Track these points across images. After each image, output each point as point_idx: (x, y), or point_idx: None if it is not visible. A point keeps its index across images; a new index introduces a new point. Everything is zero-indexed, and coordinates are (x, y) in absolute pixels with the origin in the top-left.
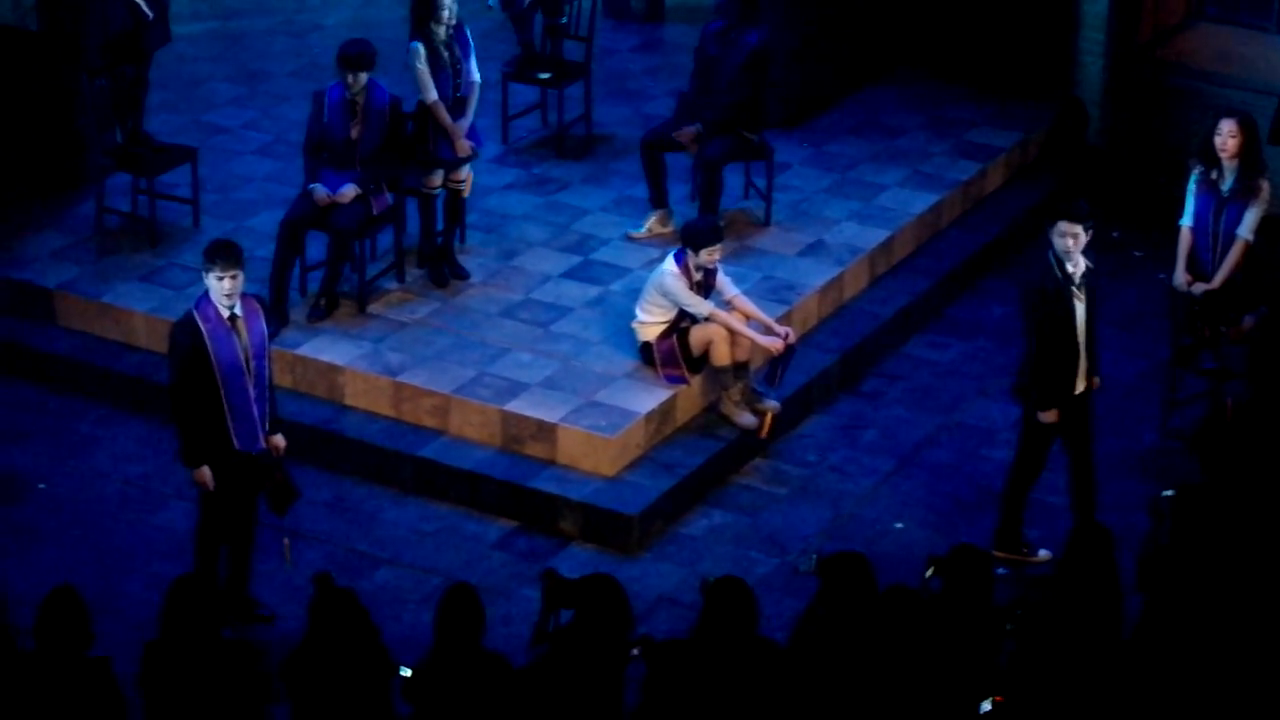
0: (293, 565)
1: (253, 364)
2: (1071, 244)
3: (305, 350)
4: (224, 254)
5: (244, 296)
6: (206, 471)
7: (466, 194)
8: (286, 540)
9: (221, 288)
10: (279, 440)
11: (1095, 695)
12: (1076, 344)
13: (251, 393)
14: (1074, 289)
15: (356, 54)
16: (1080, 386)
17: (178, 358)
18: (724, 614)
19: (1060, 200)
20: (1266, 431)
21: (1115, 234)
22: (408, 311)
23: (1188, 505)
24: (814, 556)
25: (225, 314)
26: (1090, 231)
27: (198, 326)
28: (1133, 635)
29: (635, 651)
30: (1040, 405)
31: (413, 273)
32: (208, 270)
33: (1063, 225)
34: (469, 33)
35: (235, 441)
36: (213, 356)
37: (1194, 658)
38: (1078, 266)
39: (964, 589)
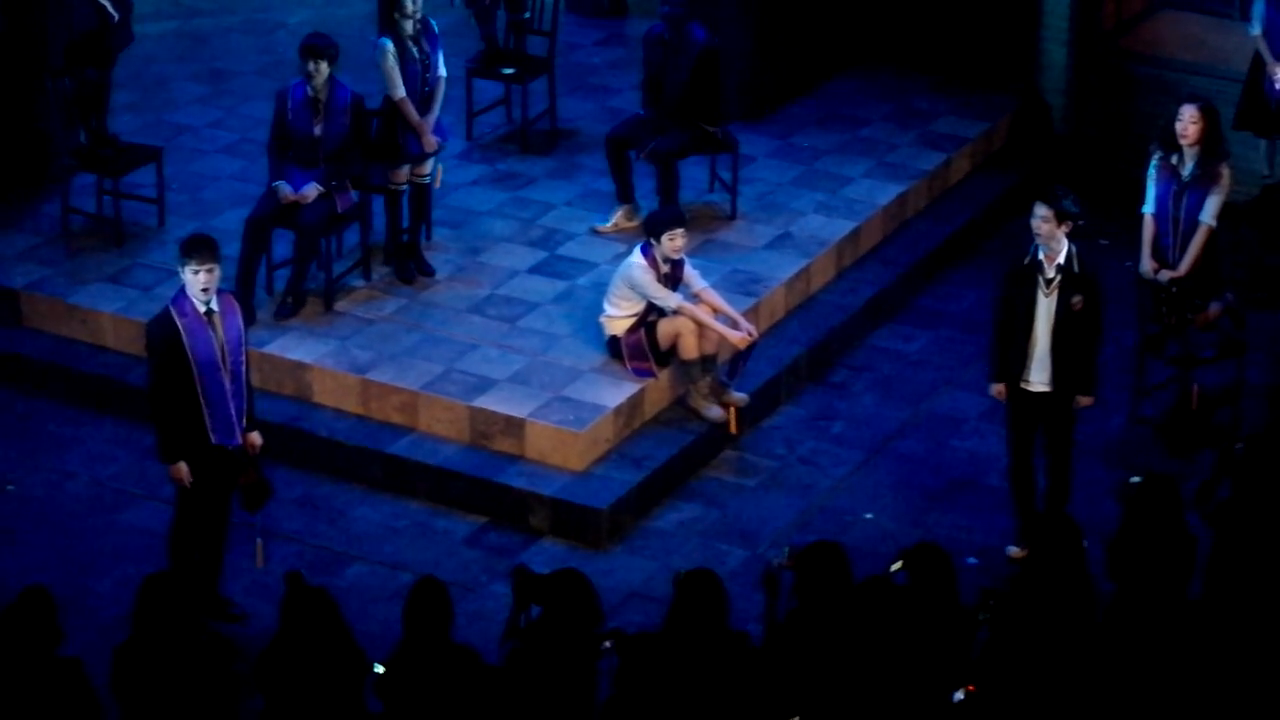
0: (264, 564)
1: (229, 359)
2: (1041, 227)
3: (273, 348)
4: (200, 248)
5: (221, 293)
6: (183, 467)
7: (437, 187)
8: (259, 540)
9: (198, 281)
10: (255, 438)
11: (1068, 685)
12: (1030, 332)
13: (228, 388)
14: (1041, 278)
15: (320, 44)
16: (1038, 384)
17: (154, 353)
18: (694, 606)
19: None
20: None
21: (1081, 222)
22: (375, 308)
23: (1148, 493)
24: (786, 549)
25: (201, 309)
26: (1067, 223)
27: (174, 322)
28: (1103, 623)
29: (607, 644)
30: (988, 376)
31: (379, 270)
32: (184, 264)
33: (1035, 206)
34: (436, 27)
35: (211, 436)
36: (189, 351)
37: (1164, 645)
38: (1052, 257)
39: (927, 583)
